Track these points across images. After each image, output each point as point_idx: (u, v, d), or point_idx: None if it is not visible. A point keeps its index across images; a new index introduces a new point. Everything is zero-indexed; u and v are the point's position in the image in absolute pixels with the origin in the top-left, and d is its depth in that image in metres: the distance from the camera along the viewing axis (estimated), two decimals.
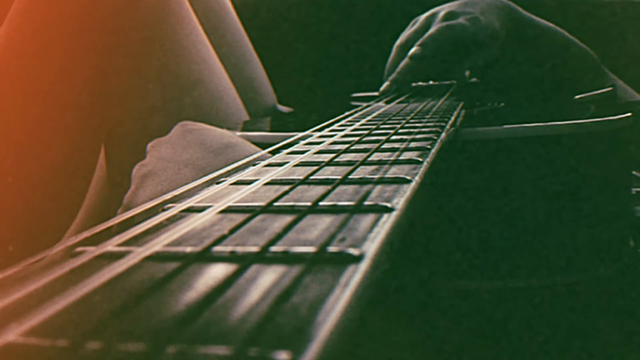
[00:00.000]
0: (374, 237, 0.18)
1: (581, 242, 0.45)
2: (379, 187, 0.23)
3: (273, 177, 0.26)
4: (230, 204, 0.22)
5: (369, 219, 0.19)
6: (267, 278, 0.15)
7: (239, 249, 0.17)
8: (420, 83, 0.77)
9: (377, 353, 0.41)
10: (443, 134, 0.36)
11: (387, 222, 0.19)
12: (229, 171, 0.28)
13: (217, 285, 0.15)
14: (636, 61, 1.14)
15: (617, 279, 0.46)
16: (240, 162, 0.30)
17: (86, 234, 0.19)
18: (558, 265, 0.44)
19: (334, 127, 0.42)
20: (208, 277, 0.15)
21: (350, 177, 0.25)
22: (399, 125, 0.40)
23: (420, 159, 0.28)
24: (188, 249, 0.17)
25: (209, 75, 0.72)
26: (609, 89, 0.59)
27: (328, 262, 0.16)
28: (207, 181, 0.26)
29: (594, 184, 0.45)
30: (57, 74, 0.66)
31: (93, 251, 0.17)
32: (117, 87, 0.68)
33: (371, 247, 0.17)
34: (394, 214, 0.20)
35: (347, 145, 0.33)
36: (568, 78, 0.82)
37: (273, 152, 0.33)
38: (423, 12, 0.79)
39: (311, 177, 0.25)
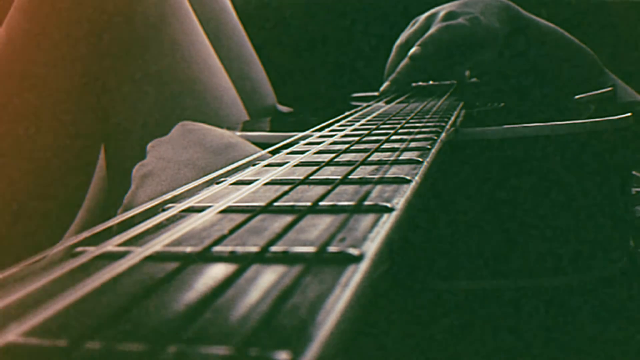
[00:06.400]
0: (374, 237, 0.18)
1: (581, 242, 0.44)
2: (379, 187, 0.23)
3: (273, 177, 0.26)
4: (230, 204, 0.22)
5: (369, 219, 0.19)
6: (267, 278, 0.15)
7: (239, 249, 0.17)
8: (420, 83, 0.77)
9: (377, 353, 0.41)
10: (443, 134, 0.36)
11: (387, 222, 0.19)
12: (229, 171, 0.28)
13: (217, 285, 0.15)
14: (636, 61, 1.14)
15: (617, 279, 0.46)
16: (240, 162, 0.30)
17: (86, 234, 0.19)
18: (558, 265, 0.44)
19: (334, 127, 0.42)
20: (208, 277, 0.15)
21: (350, 177, 0.25)
22: (399, 125, 0.40)
23: (420, 159, 0.28)
24: (188, 249, 0.17)
25: (209, 75, 0.72)
26: (609, 89, 0.59)
27: (328, 262, 0.16)
28: (207, 181, 0.26)
29: (594, 184, 0.45)
30: (57, 74, 0.66)
31: (93, 251, 0.17)
32: (117, 87, 0.68)
33: (371, 247, 0.17)
34: (394, 214, 0.20)
35: (347, 145, 0.33)
36: (568, 78, 0.82)
37: (273, 152, 0.33)
38: (423, 12, 0.79)
39: (311, 177, 0.25)
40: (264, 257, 0.17)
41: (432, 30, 0.71)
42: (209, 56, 0.74)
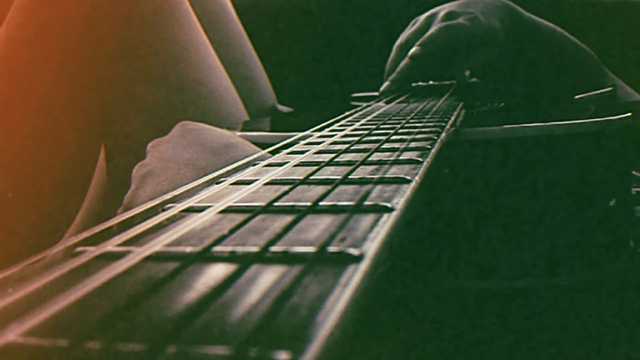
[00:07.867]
0: (374, 237, 0.18)
1: (581, 242, 0.44)
2: (379, 187, 0.23)
3: (273, 177, 0.26)
4: (230, 204, 0.22)
5: (369, 219, 0.19)
6: (267, 278, 0.15)
7: (239, 249, 0.17)
8: (420, 83, 0.77)
9: (377, 353, 0.41)
10: (443, 134, 0.36)
11: (387, 222, 0.19)
12: (229, 171, 0.28)
13: (217, 285, 0.15)
14: (636, 61, 1.14)
15: (617, 279, 0.46)
16: (240, 162, 0.30)
17: (86, 234, 0.19)
18: (558, 265, 0.44)
19: (334, 127, 0.42)
20: (208, 277, 0.15)
21: (350, 177, 0.25)
22: (399, 125, 0.40)
23: (420, 159, 0.28)
24: (188, 249, 0.17)
25: (209, 75, 0.72)
26: (609, 89, 0.59)
27: (328, 262, 0.16)
28: (207, 181, 0.26)
29: (594, 184, 0.45)
30: (57, 74, 0.66)
31: (93, 251, 0.17)
32: (117, 87, 0.68)
33: (371, 247, 0.17)
34: (394, 214, 0.20)
35: (347, 145, 0.33)
36: (568, 78, 0.82)
37: (273, 152, 0.33)
38: (423, 12, 0.79)
39: (311, 177, 0.25)
40: (264, 257, 0.17)
41: (432, 30, 0.71)
42: (209, 56, 0.74)
